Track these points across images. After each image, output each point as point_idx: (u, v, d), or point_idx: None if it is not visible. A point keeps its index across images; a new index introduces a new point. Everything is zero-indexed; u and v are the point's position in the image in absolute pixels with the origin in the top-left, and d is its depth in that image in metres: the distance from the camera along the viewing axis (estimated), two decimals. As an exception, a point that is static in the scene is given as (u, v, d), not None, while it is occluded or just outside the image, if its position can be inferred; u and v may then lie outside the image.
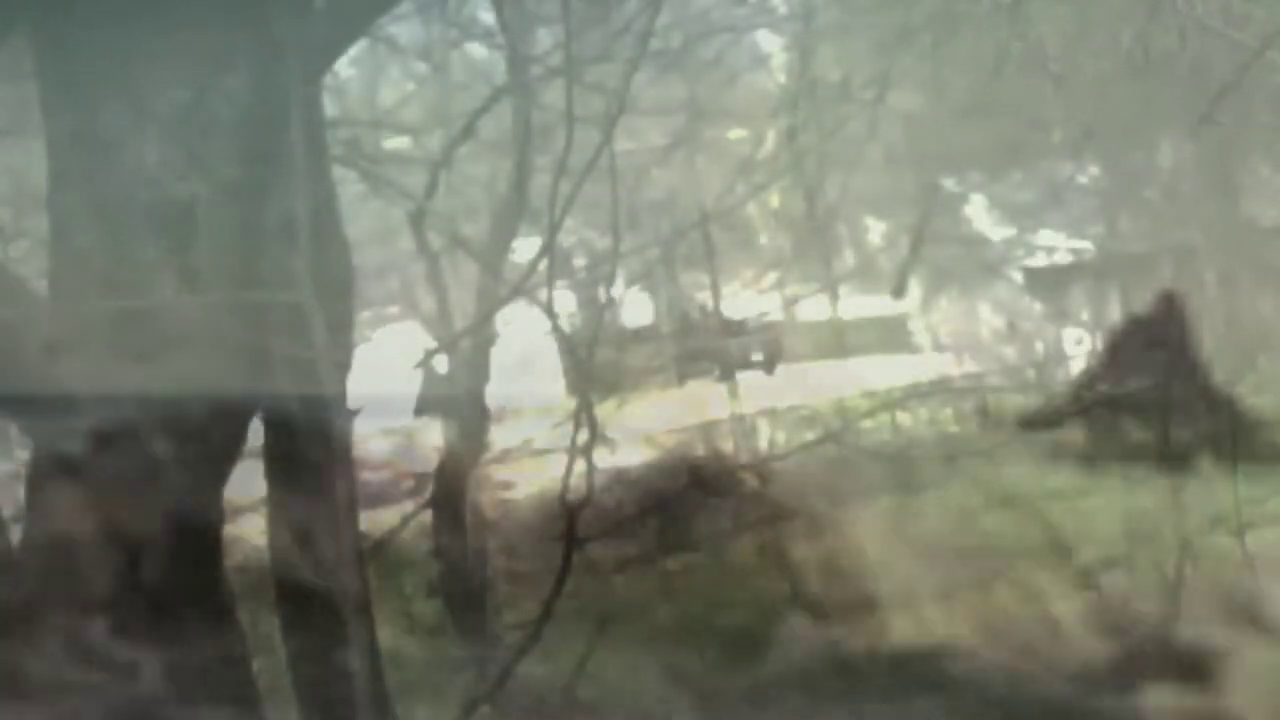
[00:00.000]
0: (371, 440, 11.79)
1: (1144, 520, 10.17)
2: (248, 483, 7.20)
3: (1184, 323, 12.01)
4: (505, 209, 10.81)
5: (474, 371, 11.39)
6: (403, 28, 11.60)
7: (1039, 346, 15.36)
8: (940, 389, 14.76)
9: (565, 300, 12.70)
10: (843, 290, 16.81)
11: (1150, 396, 11.74)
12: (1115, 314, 14.09)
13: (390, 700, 7.27)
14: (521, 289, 7.67)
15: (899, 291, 16.46)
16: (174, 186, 6.54)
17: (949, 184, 15.41)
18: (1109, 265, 14.27)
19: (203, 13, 6.34)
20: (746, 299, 16.84)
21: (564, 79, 7.15)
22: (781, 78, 15.40)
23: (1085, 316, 14.79)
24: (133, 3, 6.38)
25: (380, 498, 11.75)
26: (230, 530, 7.06)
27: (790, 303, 16.83)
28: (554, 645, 8.10)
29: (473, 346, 11.14)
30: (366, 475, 10.96)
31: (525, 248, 10.50)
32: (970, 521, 11.85)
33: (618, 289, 15.15)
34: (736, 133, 15.41)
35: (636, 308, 16.64)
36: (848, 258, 16.59)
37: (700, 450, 13.48)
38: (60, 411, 6.31)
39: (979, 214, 15.55)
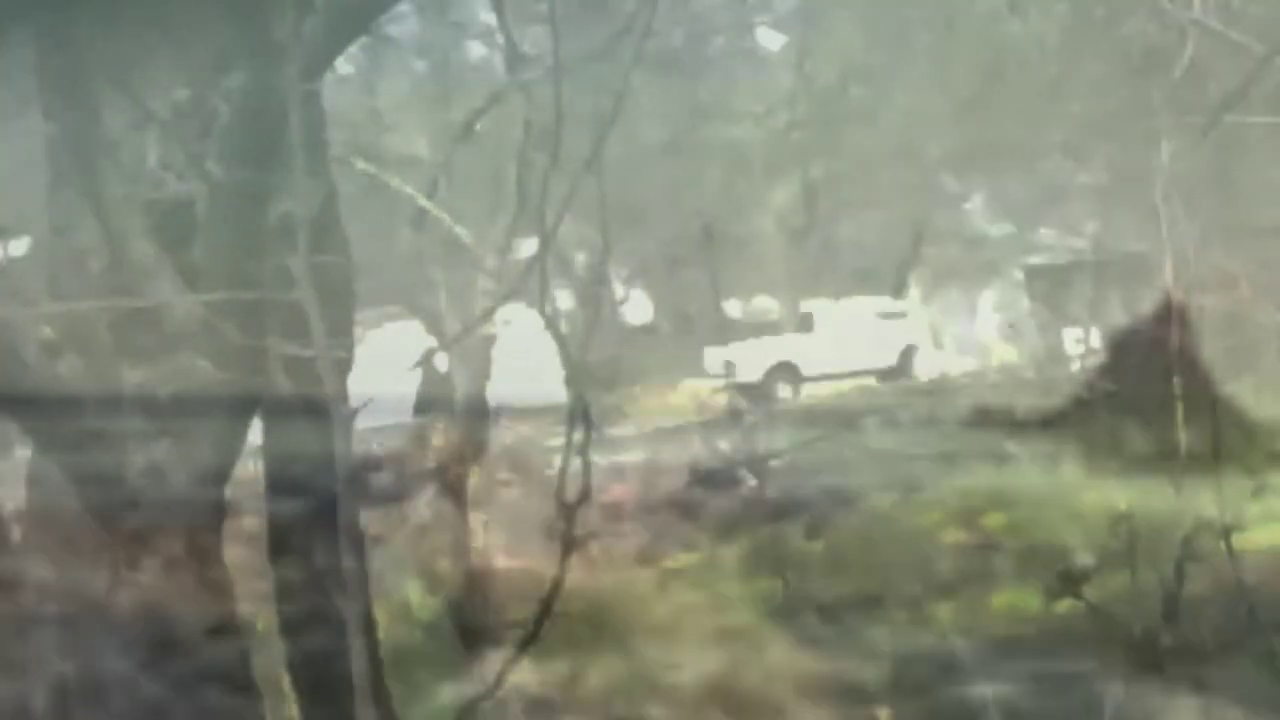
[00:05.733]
0: (372, 439, 11.80)
1: (1143, 519, 10.16)
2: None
3: (1184, 323, 11.99)
4: (505, 209, 10.82)
5: (474, 371, 11.40)
6: (402, 27, 11.62)
7: (1039, 346, 15.36)
8: (940, 389, 14.77)
9: (566, 299, 12.72)
10: (843, 288, 16.83)
11: (1150, 396, 11.73)
12: (1115, 314, 14.09)
13: (390, 699, 7.28)
14: (520, 288, 7.67)
15: (899, 290, 16.48)
16: (174, 186, 6.55)
17: (949, 183, 15.42)
18: (1109, 265, 14.27)
19: (202, 13, 6.35)
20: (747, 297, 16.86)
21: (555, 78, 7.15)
22: (781, 77, 15.42)
23: (1085, 316, 14.80)
24: (133, 3, 6.39)
25: (381, 497, 11.75)
26: (231, 527, 7.08)
27: (791, 300, 16.85)
28: (553, 644, 8.12)
29: (472, 346, 11.15)
30: (367, 475, 10.98)
31: (526, 247, 10.50)
32: (969, 520, 11.86)
33: (617, 288, 15.17)
34: (736, 131, 15.43)
35: (638, 306, 16.65)
36: (848, 256, 16.60)
37: (700, 448, 13.51)
38: (60, 411, 6.32)
39: (979, 212, 15.56)
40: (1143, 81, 11.21)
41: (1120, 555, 9.93)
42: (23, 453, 6.99)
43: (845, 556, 11.74)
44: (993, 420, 13.21)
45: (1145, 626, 9.39)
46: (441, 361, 11.52)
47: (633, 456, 12.98)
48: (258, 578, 7.40)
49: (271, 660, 7.27)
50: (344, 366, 6.89)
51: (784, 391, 15.28)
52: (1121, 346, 13.07)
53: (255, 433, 7.07)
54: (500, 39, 8.54)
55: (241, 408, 6.77)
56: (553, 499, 7.32)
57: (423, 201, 9.84)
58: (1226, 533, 9.29)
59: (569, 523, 7.06)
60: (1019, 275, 15.43)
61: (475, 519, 11.46)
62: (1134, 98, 12.15)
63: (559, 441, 7.27)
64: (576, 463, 7.04)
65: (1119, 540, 10.03)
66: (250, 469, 7.19)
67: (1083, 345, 14.65)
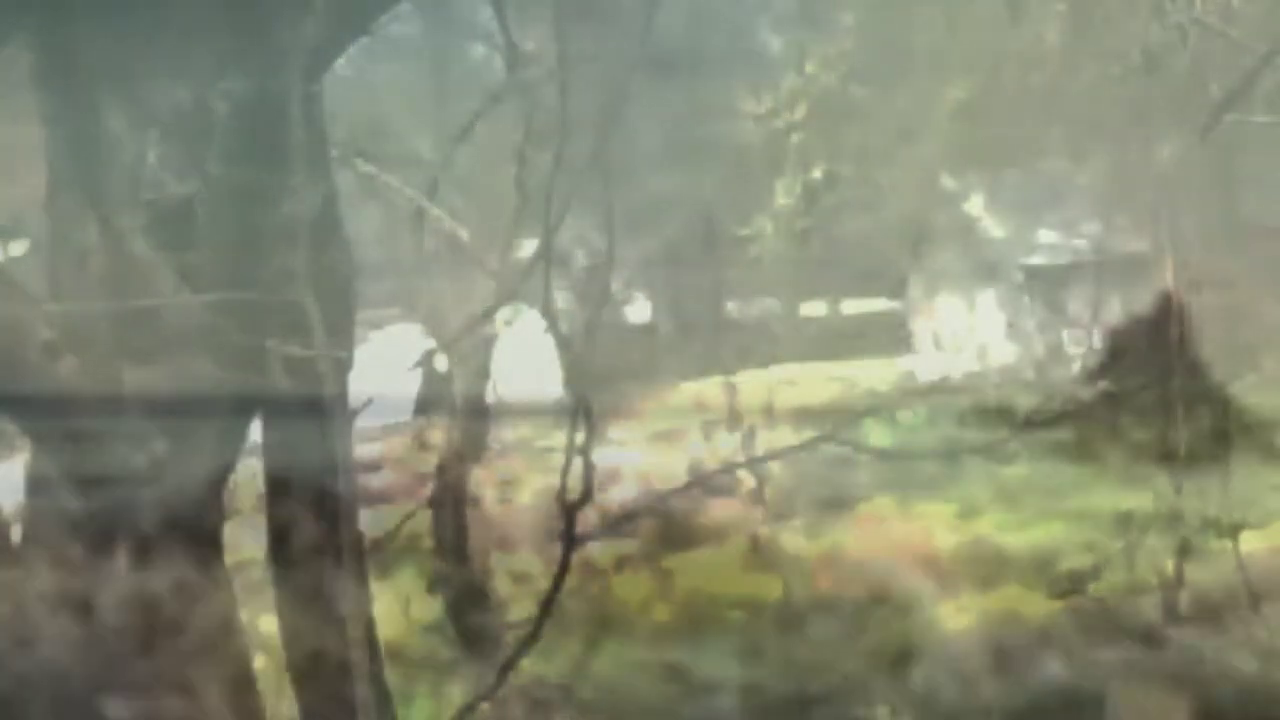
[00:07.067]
0: (371, 440, 11.80)
1: (1143, 519, 10.18)
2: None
3: (1184, 322, 11.99)
4: (505, 209, 10.79)
5: (474, 371, 11.39)
6: (402, 27, 11.62)
7: (1039, 346, 15.36)
8: (940, 389, 14.76)
9: (566, 299, 12.71)
10: (842, 288, 16.83)
11: (1150, 396, 11.74)
12: (1115, 314, 14.09)
13: (390, 699, 7.28)
14: (520, 288, 7.67)
15: (898, 290, 16.49)
16: (174, 186, 6.55)
17: (949, 183, 15.43)
18: (1108, 265, 14.27)
19: (202, 13, 6.34)
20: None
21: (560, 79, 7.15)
22: (781, 77, 15.42)
23: (1085, 316, 14.79)
24: (132, 3, 6.39)
25: (380, 497, 11.76)
26: (231, 529, 7.08)
27: (790, 301, 16.86)
28: (553, 644, 8.13)
29: (472, 346, 11.14)
30: (367, 475, 10.98)
31: (526, 247, 10.48)
32: (969, 520, 11.86)
33: (618, 288, 15.16)
34: (737, 131, 15.43)
35: (638, 306, 16.66)
36: (848, 256, 16.60)
37: (699, 448, 13.50)
38: (60, 411, 6.32)
39: (979, 213, 15.56)
40: (1143, 81, 11.22)
41: (1120, 555, 9.94)
42: (23, 453, 6.99)
43: (845, 557, 11.75)
44: (993, 420, 13.20)
45: (1145, 625, 9.41)
46: (441, 361, 11.51)
47: (633, 457, 12.98)
48: (258, 578, 7.41)
49: (272, 660, 7.27)
50: (344, 366, 6.89)
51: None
52: (1121, 347, 13.06)
53: (255, 432, 7.07)
54: (500, 39, 8.53)
55: (241, 408, 6.77)
56: (553, 499, 7.31)
57: (423, 201, 9.82)
58: (1234, 530, 9.32)
59: (570, 523, 7.05)
60: (1019, 275, 15.43)
61: (475, 519, 11.45)
62: (1134, 98, 12.15)
63: (559, 441, 7.26)
64: (577, 462, 7.02)
65: (1119, 540, 10.05)
66: (250, 469, 7.19)
67: (1083, 345, 14.64)
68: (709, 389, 14.50)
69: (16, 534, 6.76)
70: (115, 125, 6.49)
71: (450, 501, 11.25)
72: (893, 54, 14.38)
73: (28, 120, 6.68)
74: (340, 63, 7.85)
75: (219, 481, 6.79)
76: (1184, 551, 9.90)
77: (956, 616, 10.58)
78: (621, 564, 11.61)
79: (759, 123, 15.16)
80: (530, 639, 7.53)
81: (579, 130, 7.06)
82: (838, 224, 15.77)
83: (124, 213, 6.49)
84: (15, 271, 7.33)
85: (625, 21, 7.48)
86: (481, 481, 11.75)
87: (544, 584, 7.52)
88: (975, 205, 15.49)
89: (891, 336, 16.33)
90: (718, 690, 9.82)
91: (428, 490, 11.46)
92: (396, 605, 10.55)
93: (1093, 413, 12.55)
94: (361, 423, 7.17)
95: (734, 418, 13.34)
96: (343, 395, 6.84)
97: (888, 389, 14.95)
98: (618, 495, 11.80)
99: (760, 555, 11.74)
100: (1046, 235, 15.14)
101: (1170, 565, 9.80)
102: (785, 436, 12.71)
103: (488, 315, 9.58)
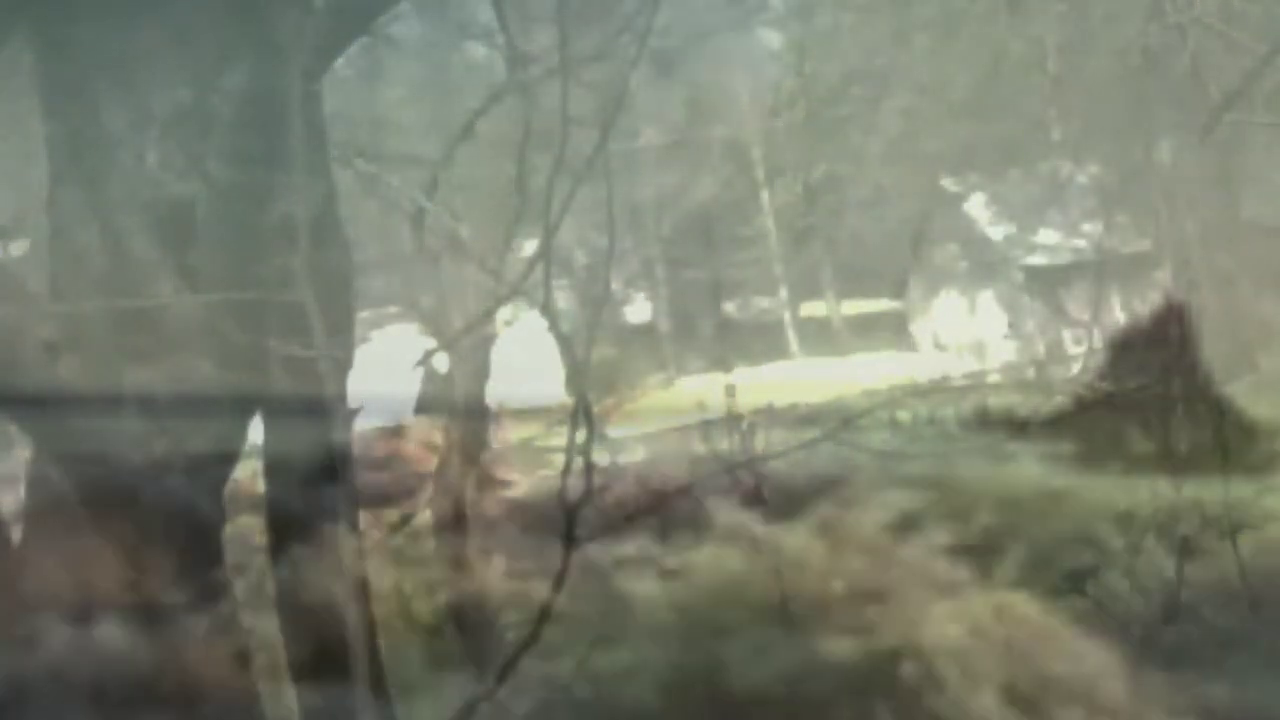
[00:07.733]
0: (372, 440, 11.78)
1: (1142, 519, 10.17)
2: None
3: (1184, 323, 11.99)
4: (505, 208, 10.79)
5: (474, 371, 11.39)
6: (402, 27, 11.61)
7: (1039, 346, 15.37)
8: (940, 389, 14.76)
9: (566, 299, 12.71)
10: (842, 288, 16.84)
11: (1150, 396, 11.73)
12: (1115, 314, 14.10)
13: (390, 700, 7.28)
14: (519, 288, 7.68)
15: (899, 290, 16.48)
16: (174, 186, 6.56)
17: (949, 183, 15.43)
18: (1109, 265, 14.28)
19: (203, 14, 6.36)
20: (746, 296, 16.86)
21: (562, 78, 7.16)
22: (781, 77, 15.43)
23: (1085, 316, 14.79)
24: (132, 5, 6.40)
25: (381, 497, 11.74)
26: (231, 529, 7.08)
27: (791, 300, 16.85)
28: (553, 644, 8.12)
29: (472, 346, 11.14)
30: (367, 474, 10.97)
31: (526, 247, 10.49)
32: (969, 520, 11.84)
33: (618, 288, 15.18)
34: (736, 131, 15.44)
35: (639, 306, 16.67)
36: (848, 256, 16.60)
37: (699, 448, 13.48)
38: (60, 411, 6.32)
39: (979, 213, 15.56)
40: (1143, 81, 11.23)
41: (1120, 555, 9.92)
42: (23, 453, 6.98)
43: (844, 557, 11.73)
44: (993, 420, 13.19)
45: (1145, 626, 9.40)
46: (441, 361, 11.50)
47: (632, 456, 12.96)
48: (258, 577, 7.40)
49: (272, 660, 7.27)
50: (344, 366, 6.90)
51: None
52: (1121, 346, 13.05)
53: (255, 432, 7.07)
54: (500, 39, 8.53)
55: (241, 408, 6.77)
56: (553, 499, 7.31)
57: (423, 201, 9.83)
58: (1233, 531, 9.30)
59: (570, 523, 7.06)
60: (1019, 275, 15.43)
61: (475, 519, 11.45)
62: (1134, 98, 12.16)
63: (559, 441, 7.27)
64: (577, 462, 7.03)
65: (1119, 540, 10.03)
66: (250, 469, 7.19)
67: (1083, 345, 14.64)
68: (709, 388, 14.48)
69: (17, 534, 6.76)
70: (115, 125, 6.50)
71: (450, 501, 11.25)
72: (893, 54, 14.38)
73: (29, 120, 6.68)
74: (340, 63, 7.86)
75: (219, 481, 6.79)
76: (1184, 551, 9.89)
77: (954, 616, 10.56)
78: (621, 564, 11.59)
79: (759, 122, 15.17)
80: (530, 639, 7.53)
81: (579, 130, 7.07)
82: (838, 224, 15.78)
83: (124, 213, 6.49)
84: (15, 271, 7.34)
85: (625, 21, 7.49)
86: (482, 481, 11.73)
87: (544, 584, 7.52)
88: (975, 205, 15.49)
89: (891, 336, 16.33)
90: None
91: (428, 490, 11.46)
92: (396, 605, 10.54)
93: (1093, 412, 12.54)
94: (362, 422, 7.18)
95: (734, 417, 13.32)
96: (343, 395, 6.85)
97: (888, 389, 14.93)
98: (618, 495, 11.80)
99: (759, 555, 11.72)
100: (1046, 235, 15.14)
101: (1170, 566, 9.78)
102: (785, 436, 12.72)
103: (488, 315, 9.59)
